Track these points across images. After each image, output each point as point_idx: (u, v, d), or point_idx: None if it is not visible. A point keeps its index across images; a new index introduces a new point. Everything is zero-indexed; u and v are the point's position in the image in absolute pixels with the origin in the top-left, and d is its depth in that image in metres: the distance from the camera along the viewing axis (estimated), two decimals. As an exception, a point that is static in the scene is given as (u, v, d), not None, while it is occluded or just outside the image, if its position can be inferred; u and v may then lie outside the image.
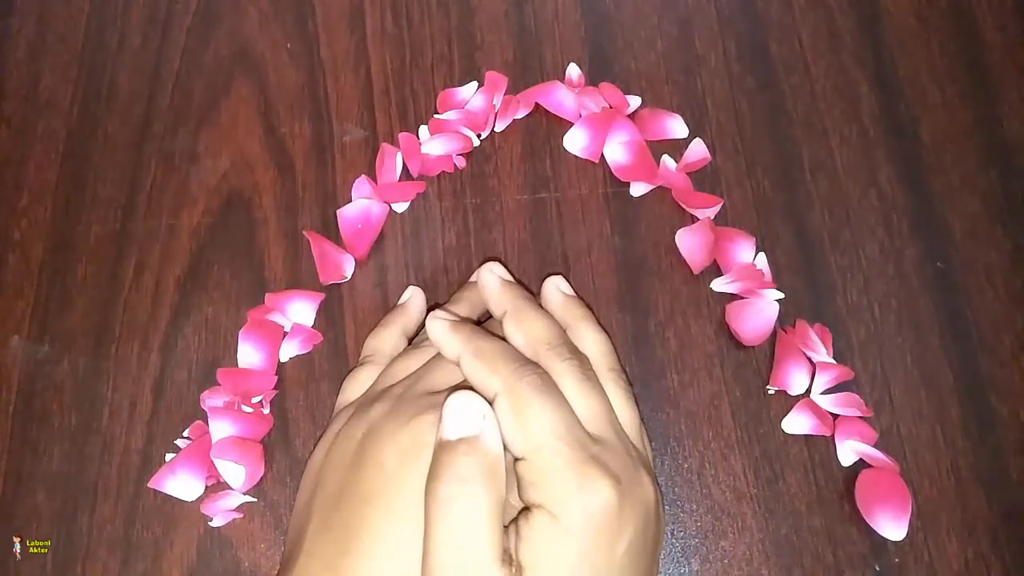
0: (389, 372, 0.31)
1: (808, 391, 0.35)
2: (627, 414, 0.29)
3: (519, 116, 0.41)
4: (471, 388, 0.27)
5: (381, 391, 0.30)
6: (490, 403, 0.26)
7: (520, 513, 0.25)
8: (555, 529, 0.24)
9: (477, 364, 0.27)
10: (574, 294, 0.32)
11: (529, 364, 0.27)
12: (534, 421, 0.25)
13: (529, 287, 0.38)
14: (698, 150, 0.40)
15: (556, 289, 0.32)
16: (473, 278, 0.36)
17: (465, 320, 0.30)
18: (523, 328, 0.29)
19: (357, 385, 0.32)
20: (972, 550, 0.33)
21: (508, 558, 0.24)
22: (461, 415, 0.25)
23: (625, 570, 0.24)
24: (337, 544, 0.26)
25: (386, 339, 0.34)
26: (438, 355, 0.30)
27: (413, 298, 0.36)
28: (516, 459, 0.25)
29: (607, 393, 0.28)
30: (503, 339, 0.29)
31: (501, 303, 0.30)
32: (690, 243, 0.38)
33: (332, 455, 0.28)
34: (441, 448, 0.25)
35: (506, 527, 0.25)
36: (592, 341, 0.30)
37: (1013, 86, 0.41)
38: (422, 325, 0.35)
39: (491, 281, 0.31)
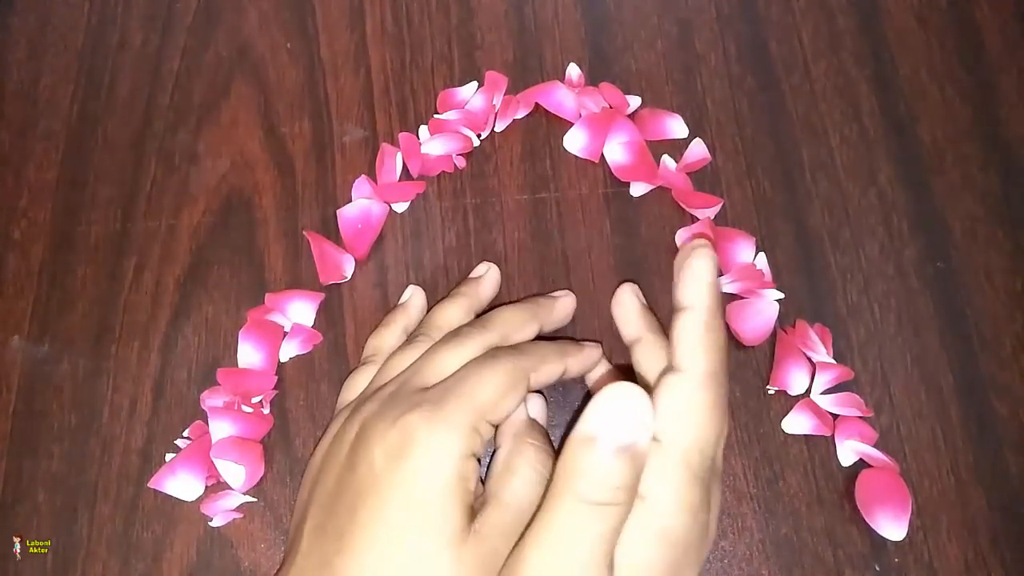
0: (384, 370, 0.31)
1: (808, 391, 0.35)
2: None
3: (519, 116, 0.41)
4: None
5: (375, 389, 0.30)
6: (669, 371, 0.25)
7: None
8: (650, 527, 0.23)
9: (705, 333, 0.25)
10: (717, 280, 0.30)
11: (726, 372, 0.25)
12: (699, 422, 0.24)
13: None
14: (698, 150, 0.40)
15: (635, 297, 0.32)
16: (474, 273, 0.36)
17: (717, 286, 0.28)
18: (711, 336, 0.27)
19: (357, 385, 0.32)
20: (972, 550, 0.33)
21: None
22: (624, 417, 0.22)
23: None
24: (331, 544, 0.26)
25: (387, 338, 0.34)
26: (430, 350, 0.30)
27: (414, 297, 0.36)
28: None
29: None
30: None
31: (702, 299, 0.27)
32: (690, 243, 0.38)
33: (327, 456, 0.28)
34: (587, 444, 0.22)
35: None
36: (720, 340, 0.28)
37: (1013, 86, 0.41)
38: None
39: (704, 273, 0.26)
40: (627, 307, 0.31)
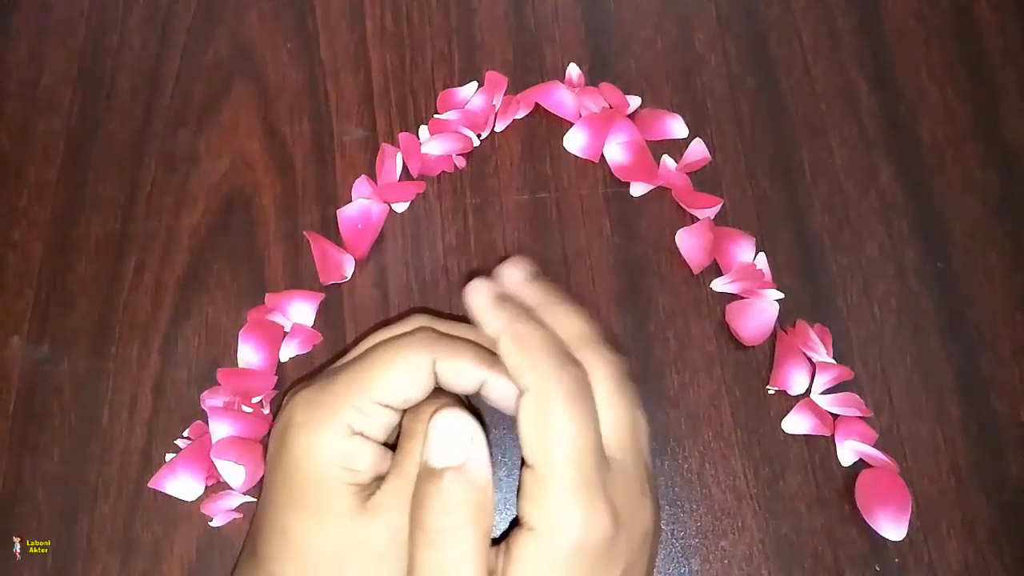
0: None
1: (808, 391, 0.35)
2: (643, 425, 0.27)
3: (519, 116, 0.41)
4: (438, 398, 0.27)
5: None
6: (520, 393, 0.25)
7: (512, 529, 0.24)
8: (544, 556, 0.23)
9: (516, 351, 0.25)
10: (535, 276, 0.28)
11: (570, 364, 0.25)
12: (556, 432, 0.24)
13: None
14: (698, 150, 0.40)
15: (519, 275, 0.28)
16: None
17: (511, 297, 0.27)
18: (555, 320, 0.27)
19: None
20: (972, 550, 0.33)
21: None
22: (446, 440, 0.24)
23: None
24: (255, 528, 0.27)
25: None
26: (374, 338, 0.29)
27: None
28: (524, 463, 0.24)
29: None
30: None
31: (529, 298, 0.27)
32: (690, 243, 0.38)
33: None
34: (425, 474, 0.24)
35: (495, 541, 0.24)
36: (572, 316, 0.27)
37: (1013, 86, 0.41)
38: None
39: (515, 278, 0.28)
40: (476, 305, 0.27)
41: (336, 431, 0.25)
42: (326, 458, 0.25)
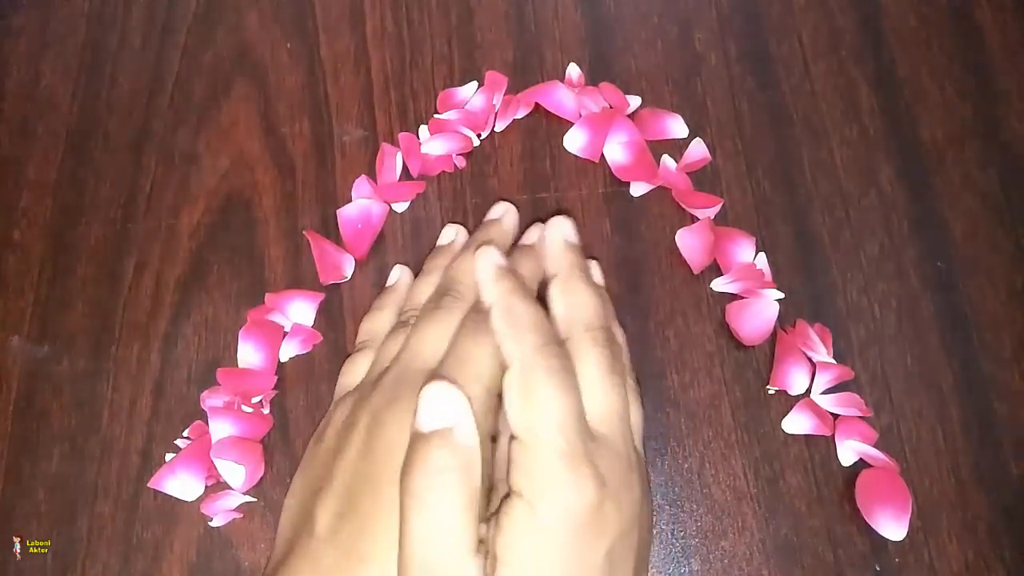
0: (381, 354, 0.31)
1: (808, 391, 0.35)
2: (636, 415, 0.28)
3: (519, 116, 0.41)
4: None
5: (378, 376, 0.30)
6: (505, 368, 0.26)
7: (502, 500, 0.25)
8: (532, 522, 0.24)
9: (505, 325, 0.27)
10: (577, 242, 0.31)
11: (554, 344, 0.27)
12: (540, 405, 0.25)
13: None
14: (698, 150, 0.40)
15: (561, 235, 0.31)
16: (441, 241, 0.37)
17: (513, 271, 0.29)
18: (568, 299, 0.29)
19: (357, 370, 0.32)
20: (972, 550, 0.33)
21: (483, 548, 0.24)
22: (435, 406, 0.25)
23: (604, 574, 0.24)
24: (355, 530, 0.26)
25: (381, 321, 0.34)
26: (416, 329, 0.30)
27: (402, 278, 0.37)
28: (511, 437, 0.25)
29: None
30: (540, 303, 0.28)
31: (557, 264, 0.30)
32: (690, 243, 0.38)
33: (340, 447, 0.28)
34: (415, 439, 0.25)
35: (488, 518, 0.25)
36: (584, 299, 0.29)
37: (1013, 86, 0.41)
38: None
39: (556, 239, 0.31)
40: (479, 272, 0.29)
41: (491, 419, 0.26)
42: (484, 453, 0.25)
